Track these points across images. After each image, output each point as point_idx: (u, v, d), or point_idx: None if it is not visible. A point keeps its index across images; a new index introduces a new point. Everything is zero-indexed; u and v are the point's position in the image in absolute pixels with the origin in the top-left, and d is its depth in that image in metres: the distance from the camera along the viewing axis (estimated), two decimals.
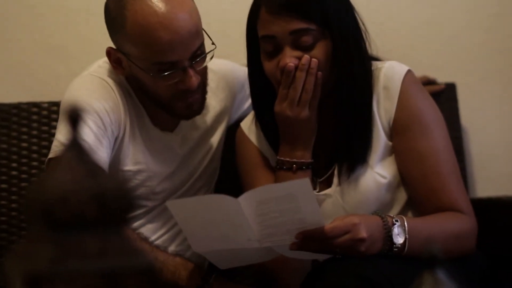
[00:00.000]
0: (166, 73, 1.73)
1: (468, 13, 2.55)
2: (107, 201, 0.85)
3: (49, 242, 0.84)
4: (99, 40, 2.44)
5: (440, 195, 1.72)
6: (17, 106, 2.31)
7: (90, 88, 1.80)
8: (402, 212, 1.78)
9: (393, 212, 1.77)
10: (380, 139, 1.78)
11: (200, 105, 1.83)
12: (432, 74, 2.50)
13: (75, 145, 0.86)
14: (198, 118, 1.91)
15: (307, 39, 1.71)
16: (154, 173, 1.86)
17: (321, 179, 1.82)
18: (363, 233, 1.54)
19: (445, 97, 2.40)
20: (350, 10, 1.80)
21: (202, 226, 1.57)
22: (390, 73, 1.79)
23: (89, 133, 1.70)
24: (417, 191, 1.76)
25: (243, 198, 1.48)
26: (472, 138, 2.52)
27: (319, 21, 1.72)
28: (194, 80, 1.75)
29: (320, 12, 1.72)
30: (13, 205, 2.26)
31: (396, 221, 1.62)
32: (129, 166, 1.84)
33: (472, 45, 2.56)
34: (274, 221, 1.51)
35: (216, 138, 1.99)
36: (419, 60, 2.52)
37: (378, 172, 1.77)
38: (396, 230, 1.61)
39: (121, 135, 1.80)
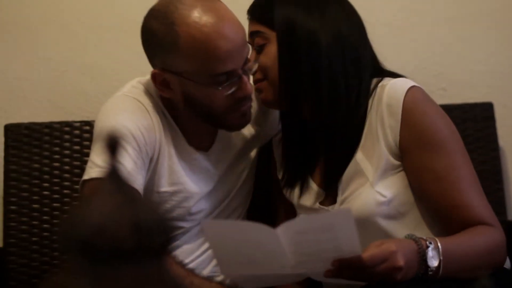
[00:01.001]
0: (225, 84, 1.72)
1: (504, 30, 2.52)
2: (146, 232, 0.82)
3: (86, 274, 0.82)
4: (130, 59, 2.46)
5: (463, 211, 1.69)
6: (49, 126, 2.31)
7: (124, 109, 1.78)
8: (414, 228, 1.74)
9: (404, 229, 1.73)
10: (383, 157, 1.74)
11: (250, 114, 1.83)
12: (466, 94, 2.47)
13: (114, 174, 0.84)
14: (233, 137, 1.90)
15: (258, 40, 1.80)
16: (190, 194, 1.84)
17: (329, 192, 1.82)
18: (401, 262, 1.51)
19: (482, 116, 2.37)
20: (326, 19, 1.78)
21: (234, 250, 1.53)
22: (392, 90, 1.75)
23: (125, 156, 1.69)
24: (438, 209, 1.72)
25: (281, 229, 1.44)
26: (510, 157, 2.47)
27: (268, 24, 1.78)
28: (249, 86, 1.76)
29: (270, 15, 1.78)
30: (45, 226, 2.26)
31: (430, 243, 1.58)
32: (165, 187, 1.82)
33: (509, 64, 2.52)
34: (310, 250, 1.48)
35: (250, 158, 1.97)
36: (456, 78, 2.50)
37: (379, 191, 1.74)
38: (430, 253, 1.58)
39: (156, 156, 1.79)
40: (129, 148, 1.71)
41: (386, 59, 2.50)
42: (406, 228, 1.72)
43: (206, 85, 1.71)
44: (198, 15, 1.68)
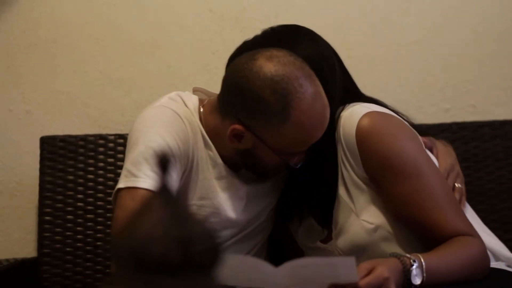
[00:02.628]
0: (294, 157, 1.78)
1: None
2: (194, 247, 0.85)
3: (136, 286, 0.85)
4: (163, 72, 2.50)
5: (436, 229, 1.71)
6: (84, 138, 2.35)
7: (163, 121, 1.79)
8: (405, 246, 1.77)
9: (398, 247, 1.77)
10: (359, 187, 1.79)
11: None
12: (496, 111, 2.48)
13: (164, 189, 0.87)
14: None
15: None
16: (217, 210, 1.85)
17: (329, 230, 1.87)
18: (393, 287, 1.54)
19: (510, 135, 2.38)
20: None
21: (233, 274, 1.56)
22: (346, 122, 1.78)
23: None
24: (414, 230, 1.75)
25: (281, 268, 1.47)
26: None
27: None
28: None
29: None
30: (79, 237, 2.30)
31: (414, 261, 1.61)
32: (193, 200, 1.83)
33: None
34: (307, 276, 1.51)
35: (278, 191, 1.98)
36: (485, 95, 2.51)
37: (365, 220, 1.78)
38: (414, 271, 1.60)
39: (188, 168, 1.80)
40: None
41: (416, 75, 2.54)
42: (402, 246, 1.77)
43: (279, 155, 1.75)
44: (311, 104, 1.69)
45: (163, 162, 0.87)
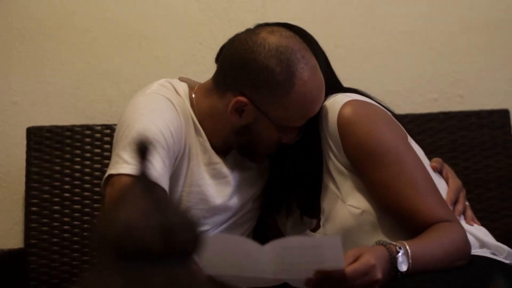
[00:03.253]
0: (291, 133, 1.80)
1: None
2: (174, 234, 0.85)
3: (117, 274, 0.84)
4: (151, 63, 2.50)
5: (416, 216, 1.72)
6: (71, 129, 2.34)
7: (155, 108, 1.79)
8: (389, 234, 1.77)
9: (380, 236, 1.77)
10: (343, 174, 1.80)
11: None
12: (483, 101, 2.48)
13: (143, 176, 0.87)
14: None
15: None
16: (206, 196, 1.85)
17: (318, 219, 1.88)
18: (379, 275, 1.55)
19: (499, 123, 2.38)
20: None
21: (220, 256, 1.56)
22: (329, 111, 1.80)
23: (155, 155, 1.70)
24: (395, 216, 1.76)
25: (268, 245, 1.47)
26: None
27: None
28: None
29: None
30: (66, 227, 2.29)
31: (400, 248, 1.62)
32: (183, 186, 1.83)
33: None
34: (293, 261, 1.51)
35: (265, 170, 1.98)
36: (473, 86, 2.52)
37: (351, 205, 1.79)
38: (400, 259, 1.61)
39: (180, 155, 1.80)
40: (159, 148, 1.71)
41: (404, 67, 2.54)
42: (387, 231, 1.77)
43: (278, 129, 1.77)
44: (312, 76, 1.74)
45: (142, 149, 0.86)
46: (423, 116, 2.42)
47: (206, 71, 1.84)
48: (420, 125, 2.40)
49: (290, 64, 1.71)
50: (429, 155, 2.28)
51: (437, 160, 1.97)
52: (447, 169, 1.97)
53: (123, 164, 1.69)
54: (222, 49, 1.87)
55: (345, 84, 1.96)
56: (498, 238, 1.91)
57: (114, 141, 1.82)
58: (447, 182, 1.93)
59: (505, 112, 2.42)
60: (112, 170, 1.70)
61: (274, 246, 1.47)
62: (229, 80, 1.77)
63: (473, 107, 2.48)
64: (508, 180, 2.37)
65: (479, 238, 1.85)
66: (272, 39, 1.73)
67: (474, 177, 2.38)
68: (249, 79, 1.74)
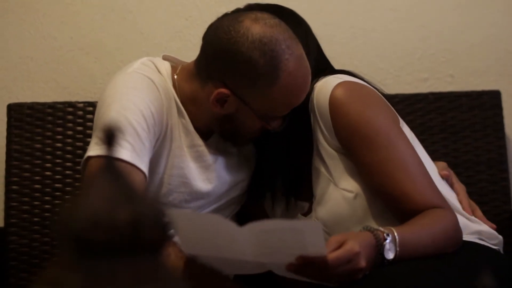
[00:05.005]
0: (275, 121, 1.76)
1: None
2: (142, 226, 0.81)
3: (80, 268, 0.80)
4: (135, 39, 2.44)
5: (406, 200, 1.69)
6: (52, 106, 2.29)
7: (136, 87, 1.74)
8: (381, 218, 1.75)
9: (371, 221, 1.75)
10: (334, 157, 1.77)
11: None
12: (474, 81, 2.45)
13: (111, 166, 0.82)
14: None
15: None
16: (187, 179, 1.81)
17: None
18: (363, 263, 1.51)
19: (490, 104, 2.36)
20: None
21: (197, 234, 1.54)
22: (320, 92, 1.77)
23: (135, 136, 1.66)
24: (385, 200, 1.73)
25: (247, 227, 1.44)
26: None
27: None
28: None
29: None
30: (47, 206, 2.25)
31: (388, 235, 1.59)
32: (164, 168, 1.79)
33: None
34: (274, 244, 1.48)
35: (251, 156, 1.94)
36: (464, 65, 2.48)
37: (344, 188, 1.76)
38: (387, 245, 1.58)
39: (162, 136, 1.76)
40: (139, 129, 1.67)
41: (394, 44, 2.49)
42: (379, 216, 1.75)
43: (261, 118, 1.74)
44: (297, 66, 1.69)
45: (110, 136, 0.81)
46: (412, 97, 2.38)
47: (192, 47, 1.80)
48: (410, 106, 2.36)
49: (274, 56, 1.66)
50: (419, 136, 2.24)
51: (444, 167, 1.95)
52: (451, 174, 1.95)
53: (102, 145, 1.64)
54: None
55: (333, 62, 1.92)
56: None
57: (94, 120, 1.78)
58: (452, 187, 1.91)
59: (496, 93, 2.38)
60: (90, 151, 1.66)
61: (253, 228, 1.45)
62: (212, 70, 1.73)
63: (464, 87, 2.44)
64: (498, 162, 2.34)
65: (473, 221, 1.82)
66: (256, 29, 1.67)
67: (463, 159, 2.35)
68: (231, 70, 1.69)
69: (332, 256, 1.48)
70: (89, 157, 1.65)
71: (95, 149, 1.66)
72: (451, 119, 2.36)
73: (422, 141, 2.25)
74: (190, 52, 1.81)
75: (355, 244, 1.51)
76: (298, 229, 1.48)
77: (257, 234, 1.45)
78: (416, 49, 2.49)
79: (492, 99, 2.36)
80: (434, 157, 2.25)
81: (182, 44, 2.44)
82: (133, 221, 0.80)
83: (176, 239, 1.62)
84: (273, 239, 1.46)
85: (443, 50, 2.49)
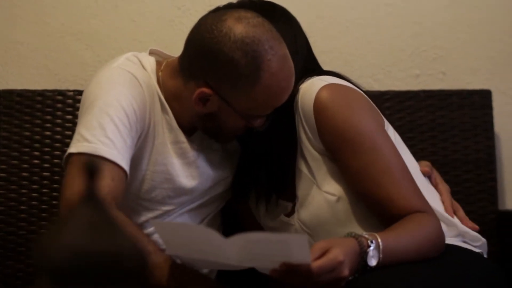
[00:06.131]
0: (257, 120, 1.75)
1: (509, 17, 2.48)
2: (121, 258, 0.81)
3: None
4: (127, 26, 2.43)
5: (389, 205, 1.69)
6: (42, 94, 2.28)
7: (119, 83, 1.74)
8: (364, 222, 1.76)
9: (354, 225, 1.75)
10: (317, 159, 1.77)
11: None
12: (466, 79, 2.44)
13: (91, 198, 0.82)
14: None
15: None
16: (170, 176, 1.82)
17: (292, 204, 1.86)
18: (346, 271, 1.52)
19: (480, 104, 2.35)
20: None
21: (182, 242, 1.55)
22: (305, 94, 1.76)
23: (116, 133, 1.66)
24: (369, 204, 1.74)
25: (231, 240, 1.44)
26: (505, 146, 2.46)
27: None
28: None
29: None
30: (34, 194, 2.25)
31: (371, 242, 1.59)
32: (147, 165, 1.79)
33: (511, 50, 2.49)
34: (259, 252, 1.48)
35: (235, 153, 1.94)
36: (456, 63, 2.47)
37: (327, 191, 1.76)
38: (370, 253, 1.58)
39: (144, 133, 1.76)
40: (121, 126, 1.68)
41: (387, 39, 2.48)
42: (362, 220, 1.75)
43: (243, 117, 1.73)
44: (280, 66, 1.68)
45: (91, 170, 0.81)
46: (403, 94, 2.37)
47: (183, 36, 1.78)
48: (400, 103, 2.36)
49: (256, 56, 1.65)
50: (408, 134, 2.26)
51: (427, 164, 1.94)
52: (435, 174, 1.95)
53: (84, 142, 1.65)
54: None
55: (325, 56, 1.92)
56: (472, 221, 1.89)
57: (78, 115, 1.79)
58: (436, 187, 1.91)
59: (486, 92, 2.37)
60: (72, 148, 1.67)
61: (238, 240, 1.44)
62: (194, 68, 1.72)
63: (455, 84, 2.44)
64: (486, 162, 2.34)
65: (456, 225, 1.82)
66: (238, 29, 1.66)
67: (451, 158, 2.35)
68: (213, 70, 1.68)
69: (316, 264, 1.49)
70: (71, 154, 1.66)
71: (76, 146, 1.66)
72: (441, 118, 2.36)
73: (411, 139, 2.28)
74: (182, 41, 1.78)
75: (339, 253, 1.51)
76: (284, 241, 1.49)
77: (242, 244, 1.45)
78: (409, 45, 2.49)
79: (482, 98, 2.36)
80: (423, 155, 2.27)
81: (174, 33, 2.43)
82: (113, 251, 0.80)
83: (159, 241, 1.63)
84: (258, 249, 1.47)
85: (436, 47, 2.48)
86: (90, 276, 0.80)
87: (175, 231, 1.55)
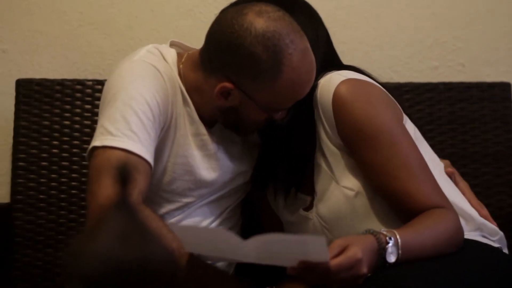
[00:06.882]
0: (279, 113, 1.75)
1: None
2: (151, 266, 0.81)
3: None
4: (145, 16, 2.43)
5: (407, 200, 1.69)
6: (61, 83, 2.28)
7: (141, 76, 1.73)
8: (382, 217, 1.76)
9: (373, 220, 1.76)
10: (336, 154, 1.77)
11: None
12: (485, 70, 2.43)
13: (124, 204, 0.82)
14: None
15: None
16: (191, 168, 1.82)
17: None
18: (365, 269, 1.52)
19: (500, 97, 2.34)
20: None
21: (200, 242, 1.55)
22: (323, 89, 1.76)
23: (140, 126, 1.66)
24: (387, 199, 1.73)
25: (250, 241, 1.45)
26: None
27: None
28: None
29: None
30: (53, 184, 2.25)
31: (390, 239, 1.59)
32: (169, 157, 1.80)
33: None
34: (277, 250, 1.48)
35: (255, 146, 1.94)
36: (475, 55, 2.46)
37: (345, 186, 1.76)
38: (389, 249, 1.58)
39: (166, 126, 1.76)
40: (144, 119, 1.67)
41: (406, 30, 2.47)
42: (380, 215, 1.75)
43: (264, 110, 1.73)
44: (301, 60, 1.67)
45: (124, 175, 0.81)
46: (422, 86, 2.36)
47: (202, 26, 1.78)
48: (419, 95, 2.35)
49: (278, 51, 1.64)
50: (427, 126, 2.26)
51: (449, 164, 1.95)
52: (455, 172, 1.94)
53: (108, 135, 1.65)
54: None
55: (344, 46, 1.91)
56: (491, 214, 1.89)
57: (99, 108, 1.78)
58: (457, 185, 1.90)
59: (506, 85, 2.36)
60: (96, 141, 1.66)
61: (256, 241, 1.45)
62: (215, 63, 1.71)
63: (474, 76, 2.43)
64: (505, 155, 2.33)
65: (475, 218, 1.82)
66: (259, 23, 1.65)
67: (471, 151, 2.35)
68: (235, 65, 1.68)
69: (334, 262, 1.49)
70: (95, 147, 1.66)
71: (101, 139, 1.66)
72: (460, 110, 2.35)
73: (430, 131, 2.27)
74: (201, 31, 1.78)
75: (357, 251, 1.52)
76: (302, 241, 1.49)
77: (260, 244, 1.46)
78: (427, 36, 2.48)
79: (502, 91, 2.35)
80: (442, 147, 2.26)
81: (192, 23, 2.42)
82: (145, 260, 0.80)
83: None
84: (277, 248, 1.47)
85: (455, 39, 2.47)
86: (122, 285, 0.80)
87: (193, 233, 1.56)
